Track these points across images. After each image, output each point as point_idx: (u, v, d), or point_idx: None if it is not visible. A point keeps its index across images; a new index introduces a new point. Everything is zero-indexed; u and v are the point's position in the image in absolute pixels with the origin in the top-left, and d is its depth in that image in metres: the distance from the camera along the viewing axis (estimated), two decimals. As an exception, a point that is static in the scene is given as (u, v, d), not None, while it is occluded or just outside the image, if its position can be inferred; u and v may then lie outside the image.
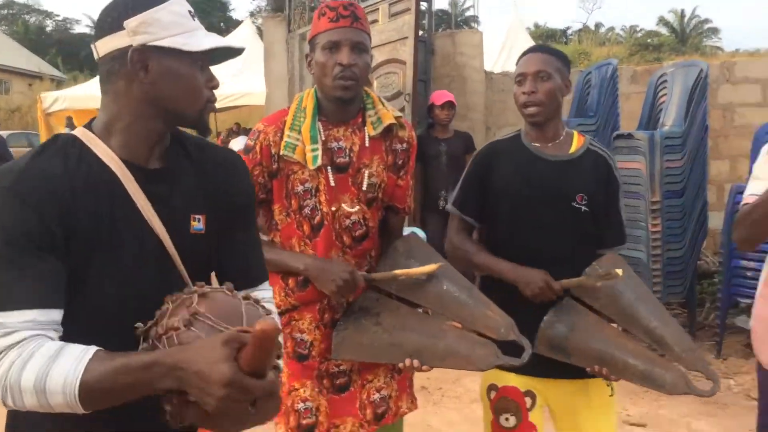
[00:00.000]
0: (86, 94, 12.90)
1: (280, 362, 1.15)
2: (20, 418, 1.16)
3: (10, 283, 1.06)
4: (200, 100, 1.21)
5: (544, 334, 1.93)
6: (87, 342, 1.05)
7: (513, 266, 1.96)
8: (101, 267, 1.15)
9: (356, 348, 1.89)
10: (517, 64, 2.07)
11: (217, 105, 9.69)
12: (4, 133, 16.03)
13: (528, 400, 1.99)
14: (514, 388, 1.96)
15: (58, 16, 42.83)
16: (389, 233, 2.04)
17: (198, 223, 1.26)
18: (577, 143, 2.04)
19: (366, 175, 1.90)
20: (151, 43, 1.16)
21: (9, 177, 1.10)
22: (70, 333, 1.09)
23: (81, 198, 1.13)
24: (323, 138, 1.86)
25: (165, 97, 1.19)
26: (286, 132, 1.85)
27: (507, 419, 2.00)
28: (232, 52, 1.27)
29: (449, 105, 4.96)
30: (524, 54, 2.07)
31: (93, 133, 1.20)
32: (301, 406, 1.89)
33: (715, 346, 4.52)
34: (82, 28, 42.18)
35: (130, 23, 1.15)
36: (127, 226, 1.17)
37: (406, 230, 2.29)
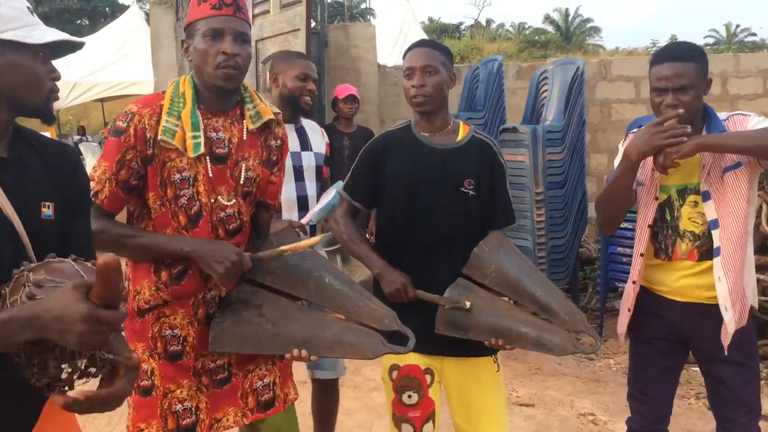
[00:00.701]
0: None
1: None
2: None
3: None
4: (43, 90, 1.31)
5: (443, 315, 2.06)
6: None
7: (380, 261, 2.13)
8: None
9: (237, 340, 1.86)
10: (404, 57, 2.17)
11: (104, 94, 9.32)
12: None
13: (428, 377, 2.13)
14: (416, 366, 2.05)
15: None
16: (259, 229, 2.03)
17: (48, 210, 1.36)
18: (462, 132, 2.19)
19: (243, 168, 1.88)
20: None
21: None
22: None
23: None
24: (203, 126, 1.81)
25: (9, 87, 1.28)
26: (164, 117, 1.76)
27: (410, 396, 2.12)
28: (73, 46, 1.36)
29: (351, 98, 4.96)
30: (411, 48, 2.17)
31: None
32: (179, 407, 1.84)
33: (596, 329, 4.81)
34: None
35: None
36: None
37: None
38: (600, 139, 6.81)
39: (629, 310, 2.21)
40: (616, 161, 2.16)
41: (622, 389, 3.74)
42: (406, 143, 2.17)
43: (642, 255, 2.18)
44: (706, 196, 2.06)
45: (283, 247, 1.88)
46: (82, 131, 17.38)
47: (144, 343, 1.86)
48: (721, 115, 2.11)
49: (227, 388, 1.91)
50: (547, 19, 40.58)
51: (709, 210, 2.06)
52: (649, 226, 2.16)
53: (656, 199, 2.14)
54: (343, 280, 1.93)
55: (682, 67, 1.99)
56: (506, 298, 2.10)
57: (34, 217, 1.32)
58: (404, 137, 2.19)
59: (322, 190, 2.84)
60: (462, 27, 42.46)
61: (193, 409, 1.86)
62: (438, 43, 2.23)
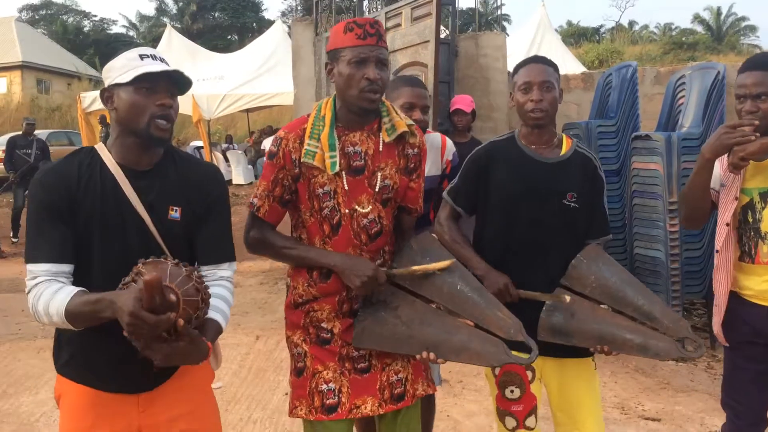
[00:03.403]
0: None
1: (218, 306, 1.75)
2: (61, 331, 1.74)
3: (36, 242, 1.64)
4: (143, 118, 1.68)
5: (545, 322, 2.15)
6: (96, 289, 1.57)
7: (482, 263, 2.23)
8: (99, 239, 1.67)
9: (376, 338, 2.02)
10: (516, 72, 2.26)
11: (249, 105, 10.06)
12: (45, 132, 16.50)
13: (529, 374, 2.23)
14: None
15: (95, 16, 43.82)
16: (402, 232, 2.20)
17: (174, 213, 1.75)
18: (566, 146, 2.27)
19: (379, 177, 2.05)
20: (111, 83, 1.71)
21: (40, 173, 1.72)
22: (85, 284, 1.62)
23: (85, 189, 1.67)
24: (340, 144, 2.01)
25: (122, 118, 1.70)
26: (306, 140, 2.00)
27: (512, 391, 2.24)
28: (184, 77, 1.73)
29: (459, 112, 5.03)
30: (525, 63, 2.26)
31: (104, 145, 1.76)
32: (324, 387, 2.04)
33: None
34: (119, 28, 43.14)
35: (104, 72, 1.76)
36: (117, 209, 1.69)
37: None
38: (746, 146, 6.40)
39: (717, 306, 2.25)
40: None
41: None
42: (512, 155, 2.25)
43: (717, 251, 2.24)
44: None
45: (414, 267, 2.03)
46: (229, 140, 18.61)
47: (300, 331, 2.12)
48: None
49: (367, 377, 2.07)
50: (697, 18, 38.29)
51: None
52: (726, 224, 2.21)
53: (736, 199, 2.19)
54: (473, 288, 2.01)
55: (762, 75, 2.09)
56: (605, 307, 2.15)
57: (162, 217, 1.73)
58: (510, 148, 2.27)
59: (436, 205, 2.91)
60: (602, 30, 41.00)
61: (336, 390, 2.04)
62: (550, 60, 2.30)
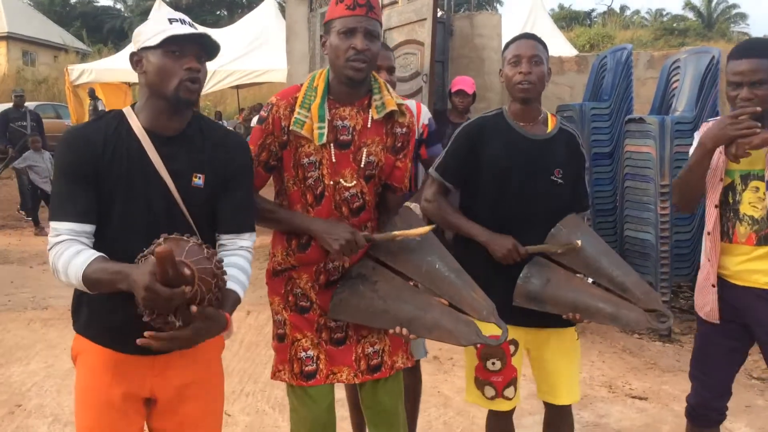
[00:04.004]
0: (111, 67, 13.09)
1: (236, 278, 1.72)
2: (80, 292, 1.72)
3: (61, 201, 1.66)
4: (171, 82, 1.67)
5: (521, 288, 2.22)
6: (116, 254, 1.61)
7: (484, 230, 2.25)
8: (123, 202, 1.69)
9: (352, 311, 2.06)
10: (507, 47, 2.30)
11: (239, 81, 9.91)
12: (32, 105, 16.25)
13: (512, 347, 2.29)
14: (495, 337, 2.13)
15: (82, -12, 42.82)
16: (387, 210, 2.22)
17: (198, 180, 1.75)
18: (551, 123, 2.32)
19: (365, 153, 2.07)
20: (139, 47, 1.70)
21: (66, 134, 1.72)
22: (105, 247, 1.64)
23: (111, 153, 1.68)
24: (329, 117, 2.02)
25: (151, 82, 1.69)
26: (297, 109, 2.01)
27: (493, 363, 2.29)
28: (203, 38, 1.70)
29: (462, 93, 5.05)
30: (516, 39, 2.30)
31: (132, 110, 1.76)
32: (303, 354, 2.10)
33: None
34: (106, 0, 42.35)
35: (134, 37, 1.74)
36: (142, 174, 1.69)
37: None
38: (736, 132, 6.45)
39: (713, 286, 2.30)
40: (691, 150, 2.29)
41: (743, 390, 3.65)
42: (501, 130, 2.29)
43: (709, 233, 2.29)
44: None
45: (395, 232, 2.04)
46: (218, 116, 18.46)
47: (279, 297, 2.17)
48: None
49: (342, 349, 2.12)
50: (688, 5, 38.28)
51: None
52: (716, 206, 2.27)
53: (721, 180, 2.25)
54: (451, 268, 2.05)
55: (758, 63, 2.10)
56: (581, 276, 2.23)
57: (186, 183, 1.73)
58: (499, 124, 2.31)
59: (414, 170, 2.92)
60: (594, 14, 40.92)
61: (314, 358, 2.10)
62: (539, 37, 2.35)
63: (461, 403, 3.59)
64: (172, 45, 1.66)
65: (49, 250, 1.66)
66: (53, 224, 1.66)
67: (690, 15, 37.70)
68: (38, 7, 35.83)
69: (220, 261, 1.59)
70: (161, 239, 1.54)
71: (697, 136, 2.30)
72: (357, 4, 1.96)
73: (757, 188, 2.20)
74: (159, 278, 1.43)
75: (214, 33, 16.17)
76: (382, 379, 2.15)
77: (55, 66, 25.42)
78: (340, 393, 2.69)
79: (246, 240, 1.85)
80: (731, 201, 2.25)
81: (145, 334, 1.51)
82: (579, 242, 2.19)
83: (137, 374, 1.75)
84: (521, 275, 2.21)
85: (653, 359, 4.29)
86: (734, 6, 37.77)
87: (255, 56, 13.58)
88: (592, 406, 3.61)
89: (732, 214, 2.25)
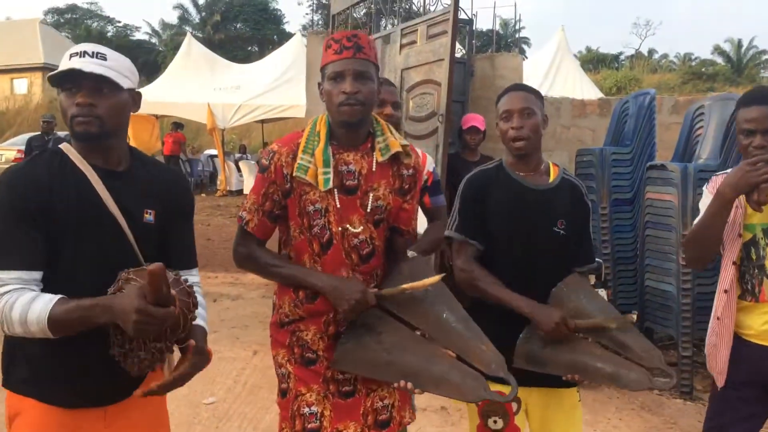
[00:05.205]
0: (144, 100, 13.34)
1: (197, 312, 1.61)
2: (16, 346, 1.64)
3: (6, 248, 1.55)
4: (67, 118, 1.61)
5: (521, 349, 2.14)
6: (65, 295, 1.52)
7: (529, 301, 2.13)
8: (73, 242, 1.59)
9: (356, 362, 1.97)
10: (498, 100, 2.24)
11: (264, 116, 10.09)
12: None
13: (514, 405, 2.16)
14: (502, 393, 2.02)
15: (119, 22, 44.00)
16: (394, 254, 2.13)
17: (149, 216, 1.71)
18: (553, 173, 2.26)
19: (371, 197, 2.00)
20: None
21: (6, 174, 1.61)
22: (55, 290, 1.54)
23: (57, 191, 1.58)
24: (333, 162, 1.97)
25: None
26: (300, 155, 1.95)
27: (495, 422, 2.17)
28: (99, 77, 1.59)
29: (474, 130, 5.00)
30: (506, 92, 2.25)
31: (69, 145, 1.67)
32: (306, 410, 1.99)
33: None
34: (141, 35, 43.55)
35: None
36: (91, 211, 1.61)
37: None
38: (764, 180, 6.27)
39: (725, 348, 2.19)
40: (701, 204, 2.24)
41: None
42: (502, 182, 2.23)
43: (726, 292, 2.19)
44: None
45: (404, 285, 1.96)
46: (243, 150, 18.66)
47: (284, 350, 2.07)
48: None
49: (350, 402, 2.02)
50: (717, 49, 38.18)
51: None
52: (734, 263, 2.17)
53: (740, 236, 2.17)
54: (459, 318, 1.95)
55: None
56: (581, 335, 2.15)
57: (137, 219, 1.68)
58: (499, 176, 2.25)
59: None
60: (622, 57, 40.96)
61: (318, 414, 1.99)
62: (531, 87, 2.30)
63: (467, 459, 3.43)
64: (66, 82, 1.60)
65: None
66: None
67: (719, 60, 37.54)
68: (76, 40, 36.87)
69: (187, 280, 1.58)
70: (125, 273, 1.51)
71: (707, 190, 2.23)
72: (344, 47, 1.93)
73: None
74: (151, 298, 1.38)
75: (244, 68, 16.48)
76: None
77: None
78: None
79: (195, 276, 1.84)
80: (754, 257, 2.14)
81: (153, 384, 1.50)
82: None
83: (89, 429, 1.67)
84: (521, 336, 2.13)
85: (673, 418, 4.07)
86: (765, 52, 37.56)
87: (280, 92, 13.79)
88: (607, 468, 3.40)
89: (756, 271, 2.13)
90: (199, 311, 1.69)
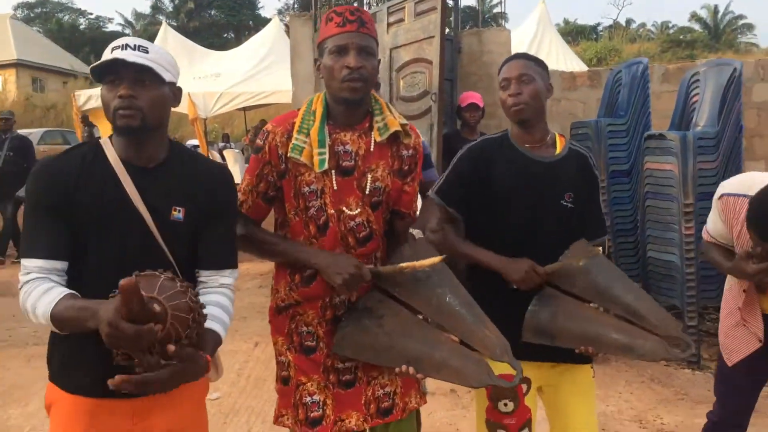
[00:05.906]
0: (117, 93, 13.10)
1: (216, 314, 1.62)
2: (54, 338, 1.66)
3: (31, 237, 1.57)
4: (109, 112, 1.59)
5: (530, 322, 2.06)
6: (90, 292, 1.50)
7: (498, 256, 2.08)
8: (97, 238, 1.58)
9: (356, 347, 1.92)
10: (499, 72, 2.17)
11: (245, 103, 9.87)
12: (40, 131, 16.22)
13: (524, 387, 2.10)
14: (511, 375, 1.96)
15: (91, 14, 43.56)
16: (396, 237, 2.07)
17: (178, 213, 1.65)
18: (560, 145, 2.17)
19: (369, 179, 1.93)
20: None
21: (37, 166, 1.63)
22: (78, 286, 1.55)
23: (83, 185, 1.59)
24: (330, 142, 1.89)
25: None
26: (294, 134, 1.89)
27: (505, 404, 2.11)
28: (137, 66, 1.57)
29: (474, 107, 4.91)
30: (505, 62, 2.17)
31: (110, 140, 1.66)
32: (308, 399, 1.95)
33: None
34: (114, 26, 42.98)
35: None
36: (116, 207, 1.59)
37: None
38: (757, 145, 6.26)
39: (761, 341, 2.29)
40: (710, 220, 2.34)
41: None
42: (506, 154, 2.14)
43: (740, 308, 2.31)
44: None
45: (402, 264, 1.89)
46: (226, 138, 18.45)
47: (283, 338, 2.02)
48: None
49: (351, 392, 1.97)
50: (694, 17, 38.28)
51: None
52: (744, 291, 2.28)
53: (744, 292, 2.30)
54: (463, 302, 1.88)
55: None
56: (594, 305, 2.06)
57: (164, 217, 1.63)
58: (504, 147, 2.16)
59: None
60: (600, 28, 40.93)
61: (320, 403, 1.95)
62: (532, 55, 2.22)
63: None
64: (108, 74, 1.58)
65: (20, 288, 1.56)
66: (23, 262, 1.57)
67: (696, 27, 37.62)
68: (47, 34, 36.24)
69: (196, 294, 1.50)
70: (136, 275, 1.43)
71: (717, 205, 2.32)
72: (347, 20, 1.84)
73: None
74: (124, 314, 1.32)
75: (222, 55, 16.23)
76: (394, 422, 2.01)
77: (64, 92, 25.53)
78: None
79: (227, 277, 1.74)
80: None
81: (117, 376, 1.38)
82: (599, 249, 2.06)
83: (116, 423, 1.64)
84: (529, 308, 2.06)
85: (684, 389, 4.06)
86: (741, 17, 37.71)
87: (261, 78, 13.59)
88: (622, 443, 3.38)
89: None
90: (220, 316, 1.66)
